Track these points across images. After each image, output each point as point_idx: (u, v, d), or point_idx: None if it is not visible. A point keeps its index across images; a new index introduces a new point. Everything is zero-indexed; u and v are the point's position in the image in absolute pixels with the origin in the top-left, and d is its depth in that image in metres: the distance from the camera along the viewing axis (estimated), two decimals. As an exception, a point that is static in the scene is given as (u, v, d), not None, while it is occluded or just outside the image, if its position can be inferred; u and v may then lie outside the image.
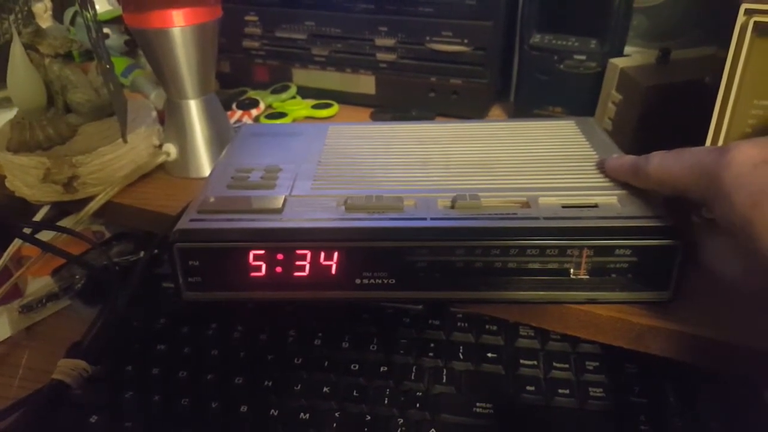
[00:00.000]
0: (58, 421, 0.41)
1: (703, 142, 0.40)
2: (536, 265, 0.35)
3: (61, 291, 0.58)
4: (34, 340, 0.54)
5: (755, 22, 0.36)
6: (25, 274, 0.56)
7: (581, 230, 0.34)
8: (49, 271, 0.59)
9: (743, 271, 0.31)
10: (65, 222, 0.52)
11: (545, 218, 0.35)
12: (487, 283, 0.36)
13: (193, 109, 0.52)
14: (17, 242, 0.51)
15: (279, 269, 0.36)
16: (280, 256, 0.36)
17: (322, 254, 0.36)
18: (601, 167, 0.41)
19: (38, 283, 0.59)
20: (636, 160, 0.37)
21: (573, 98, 0.58)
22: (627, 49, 0.57)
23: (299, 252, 0.36)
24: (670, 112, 0.47)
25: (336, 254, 0.36)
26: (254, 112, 0.64)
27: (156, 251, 0.47)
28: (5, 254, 0.51)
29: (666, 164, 0.33)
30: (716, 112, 0.39)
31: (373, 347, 0.45)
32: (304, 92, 0.69)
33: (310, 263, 0.36)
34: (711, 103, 0.39)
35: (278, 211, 0.37)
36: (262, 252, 0.36)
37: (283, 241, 0.36)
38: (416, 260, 0.35)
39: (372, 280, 0.36)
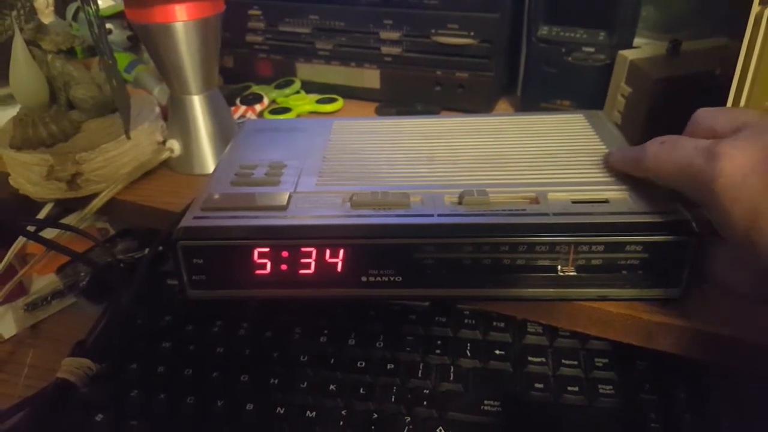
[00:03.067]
0: (63, 420, 0.40)
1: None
2: (546, 262, 0.35)
3: (66, 289, 0.58)
4: (39, 338, 0.54)
5: (770, 13, 0.35)
6: (29, 272, 0.56)
7: (592, 226, 0.33)
8: (54, 268, 0.59)
9: (752, 281, 0.30)
10: (69, 219, 0.52)
11: (555, 214, 0.34)
12: (496, 280, 0.35)
13: (197, 104, 0.51)
14: (21, 240, 0.51)
15: (284, 267, 0.36)
16: (285, 254, 0.35)
17: (328, 251, 0.35)
18: (607, 162, 0.40)
19: (43, 281, 0.59)
20: (635, 152, 0.36)
21: (581, 91, 0.57)
22: (636, 41, 0.56)
23: (304, 249, 0.35)
24: (681, 104, 0.46)
25: (342, 251, 0.35)
26: (258, 107, 0.64)
27: (160, 248, 0.46)
28: (9, 252, 0.50)
29: (660, 158, 0.33)
30: (730, 104, 0.38)
31: (380, 344, 0.45)
32: (309, 87, 0.69)
33: (315, 261, 0.36)
34: (722, 95, 0.38)
35: (283, 208, 0.37)
36: (266, 249, 0.35)
37: (288, 239, 0.35)
38: (423, 257, 0.35)
39: (378, 278, 0.36)
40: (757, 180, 0.27)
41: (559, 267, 0.35)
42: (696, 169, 0.29)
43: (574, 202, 0.36)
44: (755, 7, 0.35)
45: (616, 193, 0.36)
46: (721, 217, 0.28)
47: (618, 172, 0.38)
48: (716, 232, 0.30)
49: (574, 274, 0.35)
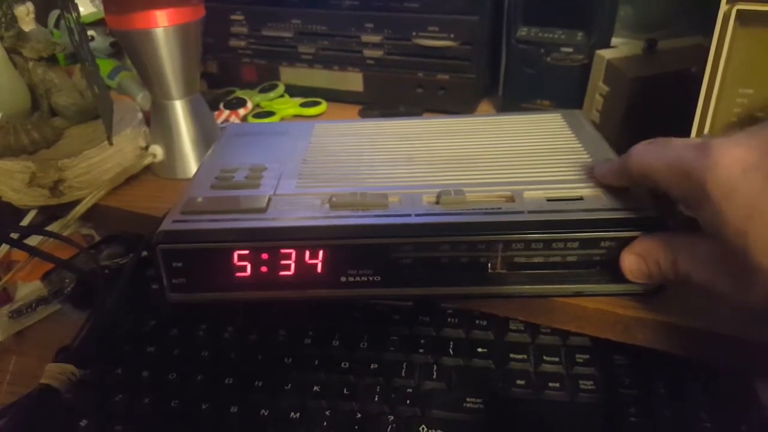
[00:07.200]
0: (46, 426, 0.40)
1: (689, 132, 0.40)
2: (522, 260, 0.35)
3: (51, 295, 0.58)
4: (24, 345, 0.53)
5: (738, 11, 0.36)
6: (13, 279, 0.56)
7: (565, 223, 0.34)
8: (38, 275, 0.59)
9: (734, 284, 0.28)
10: (53, 226, 0.52)
11: (529, 212, 0.35)
12: (473, 278, 0.36)
13: (179, 109, 0.52)
14: (5, 247, 0.51)
15: (264, 269, 0.36)
16: (264, 256, 0.36)
17: (307, 253, 0.36)
18: (591, 174, 0.39)
19: (28, 288, 0.59)
20: (620, 159, 0.35)
21: (561, 91, 0.58)
22: (613, 41, 0.57)
23: (284, 251, 0.36)
24: (658, 102, 0.47)
25: (321, 252, 0.36)
26: (242, 111, 0.64)
27: (144, 253, 0.46)
28: (-7, 259, 0.51)
29: (647, 158, 0.31)
30: (701, 101, 0.39)
31: (363, 344, 0.45)
32: (292, 91, 0.69)
33: (295, 262, 0.36)
34: (698, 93, 0.39)
35: (262, 210, 0.37)
36: (246, 252, 0.36)
37: (268, 241, 0.36)
38: (401, 257, 0.35)
39: (357, 278, 0.36)
40: (761, 176, 0.25)
41: (533, 264, 0.35)
42: (686, 164, 0.28)
43: (549, 199, 0.36)
44: (723, 5, 0.36)
45: (590, 191, 0.37)
46: (711, 213, 0.27)
47: (603, 183, 0.37)
48: (691, 227, 0.30)
49: (550, 270, 0.35)
